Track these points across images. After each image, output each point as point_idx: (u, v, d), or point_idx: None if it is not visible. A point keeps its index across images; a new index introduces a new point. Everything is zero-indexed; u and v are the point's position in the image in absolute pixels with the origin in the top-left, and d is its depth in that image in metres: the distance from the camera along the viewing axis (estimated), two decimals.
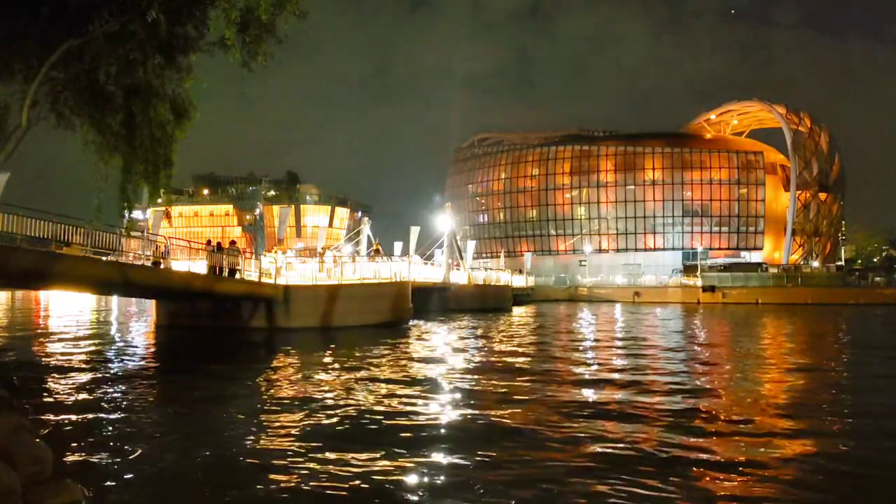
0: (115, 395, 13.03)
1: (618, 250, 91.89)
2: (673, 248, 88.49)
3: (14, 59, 14.55)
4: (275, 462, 8.13)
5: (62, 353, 19.80)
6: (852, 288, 74.85)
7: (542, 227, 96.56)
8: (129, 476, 7.60)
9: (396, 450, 8.68)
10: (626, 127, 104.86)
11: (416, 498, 6.99)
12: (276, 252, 33.07)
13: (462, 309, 43.05)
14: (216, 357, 19.70)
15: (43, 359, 18.65)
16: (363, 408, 11.45)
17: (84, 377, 15.02)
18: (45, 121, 15.68)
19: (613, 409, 11.60)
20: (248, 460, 8.31)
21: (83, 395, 12.60)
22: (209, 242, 26.34)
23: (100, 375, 15.47)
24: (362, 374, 15.57)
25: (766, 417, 11.26)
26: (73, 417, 10.53)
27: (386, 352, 20.28)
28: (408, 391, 13.22)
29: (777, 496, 7.11)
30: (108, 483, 7.25)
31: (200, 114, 17.10)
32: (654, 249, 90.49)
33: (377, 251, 38.94)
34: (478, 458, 8.35)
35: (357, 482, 7.35)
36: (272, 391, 13.61)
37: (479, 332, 29.38)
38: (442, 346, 22.87)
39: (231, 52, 15.29)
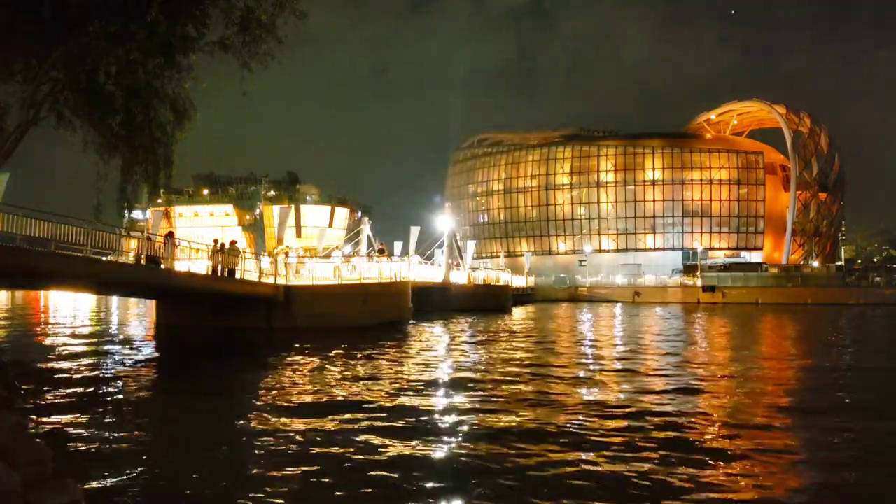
0: (116, 394, 13.04)
1: (618, 250, 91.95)
2: (673, 248, 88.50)
3: (14, 59, 14.57)
4: (275, 462, 8.13)
5: (62, 353, 19.78)
6: (852, 288, 74.93)
7: (542, 227, 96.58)
8: (129, 476, 7.59)
9: (395, 451, 8.68)
10: (626, 126, 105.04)
11: (415, 498, 7.00)
12: (280, 253, 32.89)
13: (462, 309, 43.01)
14: (216, 357, 19.70)
15: (43, 358, 18.64)
16: (362, 409, 11.45)
17: (84, 377, 15.00)
18: (45, 121, 15.68)
19: (609, 412, 11.61)
20: (249, 461, 8.31)
21: (83, 395, 12.59)
22: (216, 242, 26.23)
23: (100, 375, 15.47)
24: (361, 374, 15.58)
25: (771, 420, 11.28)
26: (73, 417, 10.53)
27: (385, 352, 20.28)
28: (407, 391, 13.23)
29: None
30: (108, 483, 7.25)
31: (200, 114, 17.11)
32: (654, 249, 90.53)
33: (381, 251, 38.96)
34: (477, 462, 8.35)
35: (356, 483, 7.36)
36: (272, 391, 13.60)
37: (479, 332, 29.37)
38: (441, 347, 22.87)
39: (231, 52, 15.32)
